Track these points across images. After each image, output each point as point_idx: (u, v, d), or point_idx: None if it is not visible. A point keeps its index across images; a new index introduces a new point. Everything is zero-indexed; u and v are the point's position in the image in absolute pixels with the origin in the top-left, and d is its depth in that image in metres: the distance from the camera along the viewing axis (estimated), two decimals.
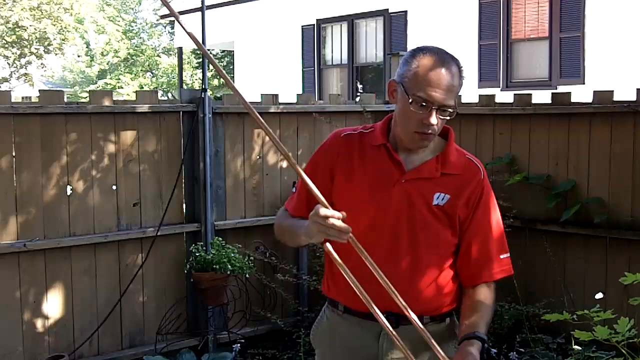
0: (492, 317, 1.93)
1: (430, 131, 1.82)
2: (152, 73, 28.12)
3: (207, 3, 4.59)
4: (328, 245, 1.72)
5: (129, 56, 27.35)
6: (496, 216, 1.97)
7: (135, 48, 27.94)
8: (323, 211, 1.66)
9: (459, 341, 1.80)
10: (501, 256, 1.94)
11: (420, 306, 1.87)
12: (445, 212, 1.88)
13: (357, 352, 1.95)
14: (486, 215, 1.93)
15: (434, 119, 1.79)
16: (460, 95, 4.82)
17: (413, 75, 1.80)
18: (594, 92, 4.19)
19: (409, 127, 1.84)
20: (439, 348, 1.65)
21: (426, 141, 1.86)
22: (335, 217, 1.65)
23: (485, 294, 1.91)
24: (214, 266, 4.04)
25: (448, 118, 1.82)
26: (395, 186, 1.88)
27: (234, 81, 16.81)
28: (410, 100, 1.79)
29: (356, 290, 1.65)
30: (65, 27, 23.18)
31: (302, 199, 2.02)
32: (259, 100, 4.62)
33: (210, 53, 22.18)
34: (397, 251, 1.85)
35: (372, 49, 11.15)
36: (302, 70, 12.07)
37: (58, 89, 11.40)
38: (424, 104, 1.78)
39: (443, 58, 1.81)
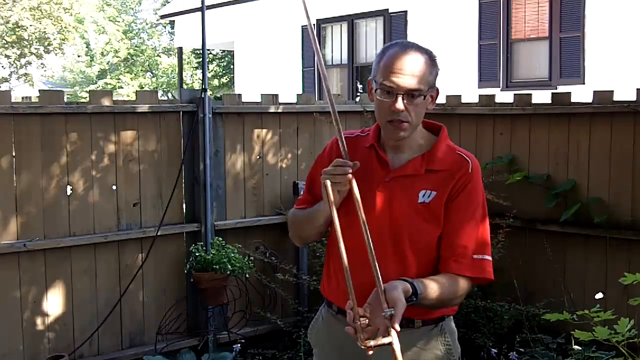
0: (443, 302, 1.81)
1: (401, 118, 1.81)
2: (152, 73, 28.13)
3: (207, 3, 4.59)
4: (328, 182, 1.74)
5: (129, 56, 27.37)
6: (478, 214, 1.88)
7: (135, 48, 27.95)
8: (338, 160, 1.77)
9: None
10: (475, 256, 1.85)
11: (410, 309, 1.82)
12: (431, 209, 1.85)
13: (350, 353, 1.91)
14: (468, 208, 1.87)
15: (399, 105, 1.79)
16: (460, 95, 4.86)
17: (380, 68, 1.84)
18: (594, 92, 4.19)
19: (383, 118, 1.86)
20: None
21: (401, 131, 1.84)
22: (346, 165, 1.75)
23: (450, 277, 1.82)
24: (214, 266, 4.05)
25: (418, 103, 1.82)
26: (380, 186, 1.88)
27: (233, 82, 16.68)
28: (376, 89, 1.84)
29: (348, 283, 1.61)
30: (65, 27, 23.17)
31: (308, 195, 2.07)
32: (259, 100, 4.62)
33: (210, 53, 21.94)
34: (383, 252, 1.79)
35: (372, 49, 11.14)
36: (302, 70, 12.07)
37: (58, 89, 11.40)
38: (389, 91, 1.81)
39: (408, 48, 1.84)
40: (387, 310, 1.56)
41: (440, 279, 1.81)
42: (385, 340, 1.54)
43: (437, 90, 1.89)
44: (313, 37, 1.92)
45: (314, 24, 11.63)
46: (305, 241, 2.19)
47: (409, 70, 1.79)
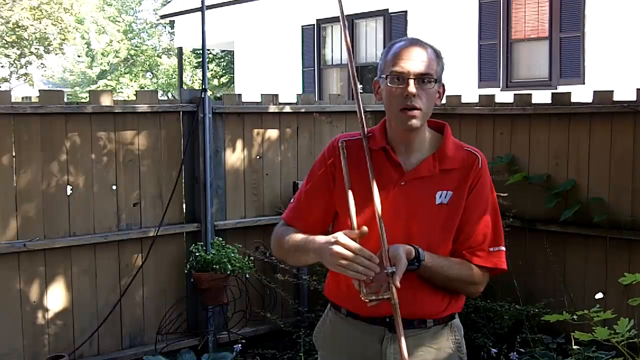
0: (453, 281, 1.84)
1: (414, 104, 1.79)
2: (152, 73, 28.11)
3: (207, 3, 4.59)
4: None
5: (129, 56, 27.35)
6: (490, 207, 1.91)
7: (136, 48, 27.95)
8: (373, 257, 1.68)
9: None
10: (491, 249, 1.87)
11: (422, 309, 1.85)
12: (449, 209, 1.84)
13: (360, 356, 1.92)
14: (480, 202, 1.88)
15: (412, 88, 1.78)
16: (460, 95, 4.86)
17: (387, 60, 1.85)
18: (594, 92, 4.19)
19: (394, 108, 1.83)
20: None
21: (413, 118, 1.80)
22: (365, 256, 1.67)
23: (465, 262, 1.85)
24: (214, 266, 4.05)
25: (429, 90, 1.81)
26: (394, 189, 1.85)
27: (233, 81, 16.62)
28: (385, 77, 1.83)
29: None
30: (65, 28, 23.16)
31: (301, 207, 1.99)
32: (259, 100, 4.62)
33: (210, 53, 21.90)
34: None
35: (372, 49, 11.14)
36: (302, 70, 12.06)
37: (58, 89, 11.39)
38: (399, 77, 1.80)
39: (414, 41, 1.86)
40: (389, 268, 1.67)
41: (452, 258, 1.85)
42: (386, 295, 1.69)
43: (444, 86, 1.89)
44: (345, 34, 1.95)
45: (313, 24, 11.69)
46: (286, 263, 2.15)
47: (418, 58, 1.81)
